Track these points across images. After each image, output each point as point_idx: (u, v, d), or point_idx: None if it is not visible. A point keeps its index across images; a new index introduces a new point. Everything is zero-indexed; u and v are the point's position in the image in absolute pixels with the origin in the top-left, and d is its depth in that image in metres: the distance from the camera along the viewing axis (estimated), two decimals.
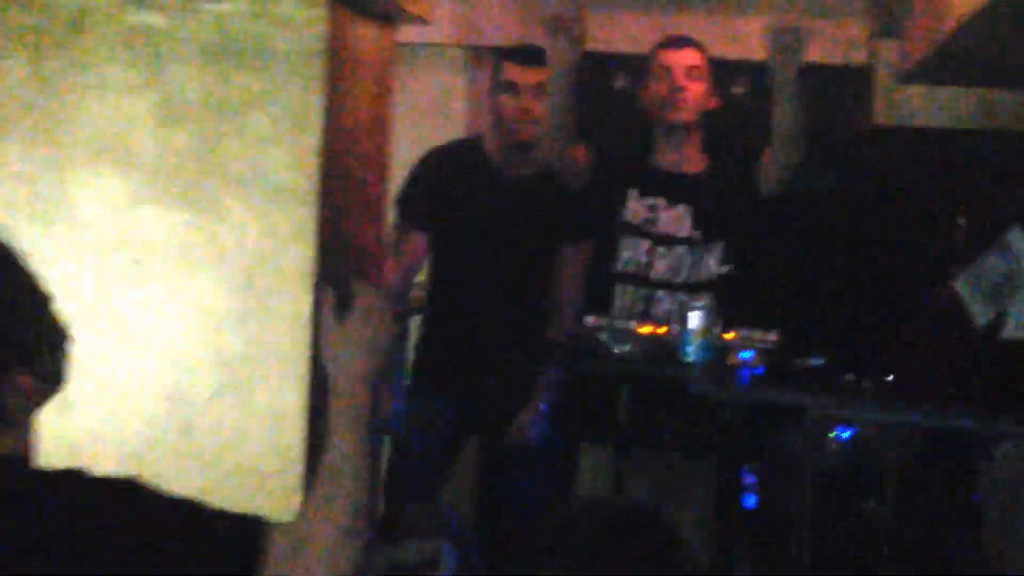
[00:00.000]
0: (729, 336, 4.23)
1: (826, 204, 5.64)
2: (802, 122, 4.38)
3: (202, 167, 4.19)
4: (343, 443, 2.16)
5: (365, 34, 4.71)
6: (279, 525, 2.14)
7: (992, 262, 4.24)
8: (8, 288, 2.10)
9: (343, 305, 2.13)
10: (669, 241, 4.61)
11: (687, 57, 4.67)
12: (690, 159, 4.69)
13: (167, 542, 2.02)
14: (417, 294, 5.29)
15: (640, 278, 4.61)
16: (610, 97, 6.21)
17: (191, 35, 4.20)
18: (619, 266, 4.61)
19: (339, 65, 4.38)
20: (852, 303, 5.69)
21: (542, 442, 4.78)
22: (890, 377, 4.09)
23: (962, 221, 4.44)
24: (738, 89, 6.31)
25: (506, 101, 4.89)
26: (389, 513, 5.14)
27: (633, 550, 2.05)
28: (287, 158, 4.20)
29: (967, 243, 4.37)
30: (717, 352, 4.17)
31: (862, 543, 4.58)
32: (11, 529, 1.95)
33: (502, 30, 6.39)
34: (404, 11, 4.95)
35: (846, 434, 4.90)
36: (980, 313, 4.19)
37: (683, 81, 4.61)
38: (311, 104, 4.22)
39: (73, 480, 2.07)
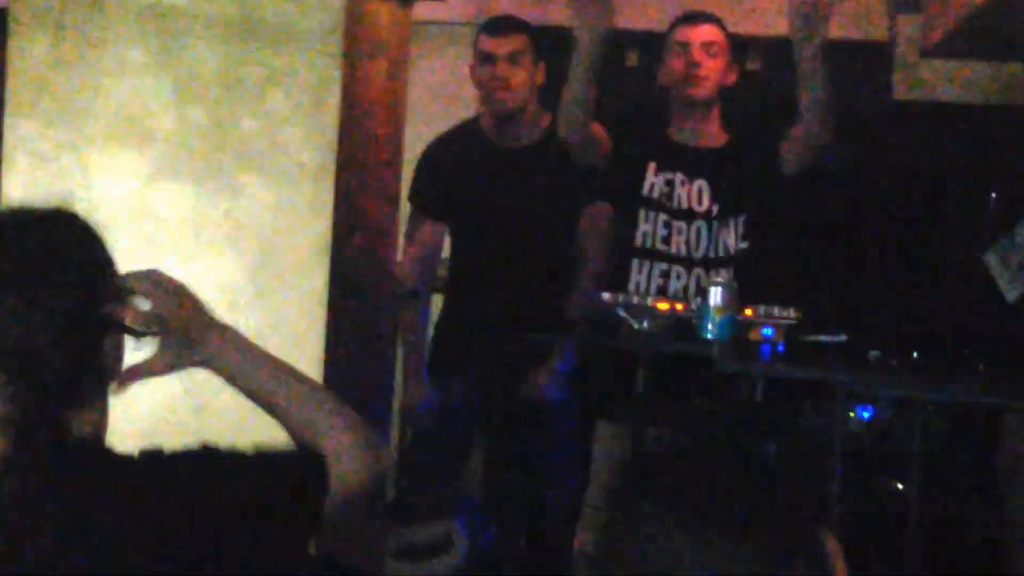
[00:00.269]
0: (748, 312, 4.20)
1: (846, 181, 5.61)
2: (829, 100, 4.34)
3: (219, 145, 4.18)
4: None
5: (382, 12, 4.69)
6: None
7: (1022, 237, 4.21)
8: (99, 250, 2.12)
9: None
10: (687, 216, 4.58)
11: (705, 33, 4.63)
12: (709, 134, 4.66)
13: (250, 494, 2.03)
14: (440, 273, 5.29)
15: (657, 253, 4.58)
16: (622, 75, 6.19)
17: (209, 13, 4.19)
18: (636, 240, 4.58)
19: (356, 43, 4.37)
20: (876, 279, 5.67)
21: (558, 403, 4.77)
22: (915, 354, 4.05)
23: (993, 196, 4.41)
24: (752, 65, 6.29)
25: (483, 72, 4.90)
26: (405, 493, 5.14)
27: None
28: (304, 135, 4.19)
29: (998, 218, 4.33)
30: (737, 329, 4.14)
31: (885, 521, 4.57)
32: (116, 517, 1.96)
33: (514, 9, 6.37)
34: None
35: (866, 413, 4.88)
36: (1009, 288, 4.16)
37: (700, 57, 4.57)
38: (329, 82, 4.22)
39: (156, 460, 2.08)
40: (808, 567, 1.56)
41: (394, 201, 5.00)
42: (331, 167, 4.21)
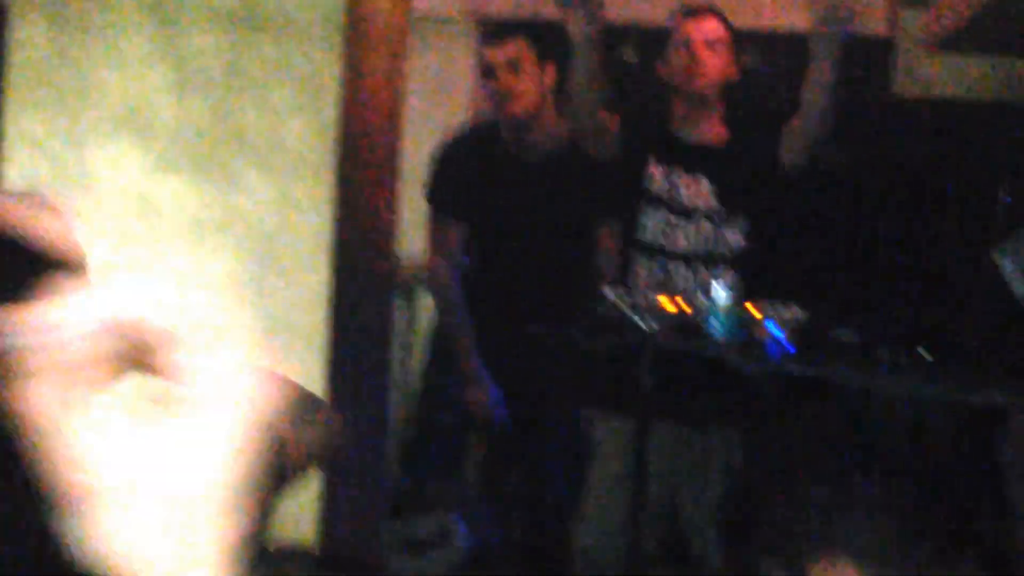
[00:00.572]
0: (755, 311, 4.17)
1: (847, 177, 5.59)
2: (833, 94, 4.32)
3: (219, 137, 4.14)
4: None
5: (382, 4, 4.65)
6: None
7: None
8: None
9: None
10: (689, 213, 4.55)
11: (708, 28, 4.59)
12: (711, 131, 4.62)
13: None
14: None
15: (659, 249, 4.55)
16: (619, 70, 6.16)
17: (209, 4, 4.15)
18: (638, 234, 4.55)
19: (356, 35, 4.34)
20: (885, 278, 5.64)
21: (560, 415, 4.76)
22: (926, 352, 4.02)
23: (1004, 195, 4.38)
24: (749, 59, 6.26)
25: (486, 84, 4.84)
26: (408, 488, 5.11)
27: None
28: (305, 128, 4.16)
29: (1009, 217, 4.31)
30: (744, 327, 4.12)
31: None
32: None
33: (510, 3, 6.34)
34: None
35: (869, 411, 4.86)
36: (1020, 286, 4.13)
37: (703, 52, 4.54)
38: (329, 74, 4.18)
39: None
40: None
41: (394, 193, 4.96)
42: (332, 160, 4.18)
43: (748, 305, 4.14)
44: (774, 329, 4.03)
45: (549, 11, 5.52)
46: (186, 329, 4.15)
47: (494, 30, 4.96)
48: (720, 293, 4.09)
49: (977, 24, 4.75)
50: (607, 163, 4.56)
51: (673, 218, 4.55)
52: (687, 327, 4.16)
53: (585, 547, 4.57)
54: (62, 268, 2.13)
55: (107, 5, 4.14)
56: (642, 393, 4.16)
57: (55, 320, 2.13)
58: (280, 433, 2.14)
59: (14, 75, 4.12)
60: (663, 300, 4.27)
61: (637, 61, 6.34)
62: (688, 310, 4.22)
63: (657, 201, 4.55)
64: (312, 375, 4.06)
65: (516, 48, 4.78)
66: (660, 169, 4.57)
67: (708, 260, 4.53)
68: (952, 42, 5.39)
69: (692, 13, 4.65)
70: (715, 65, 4.58)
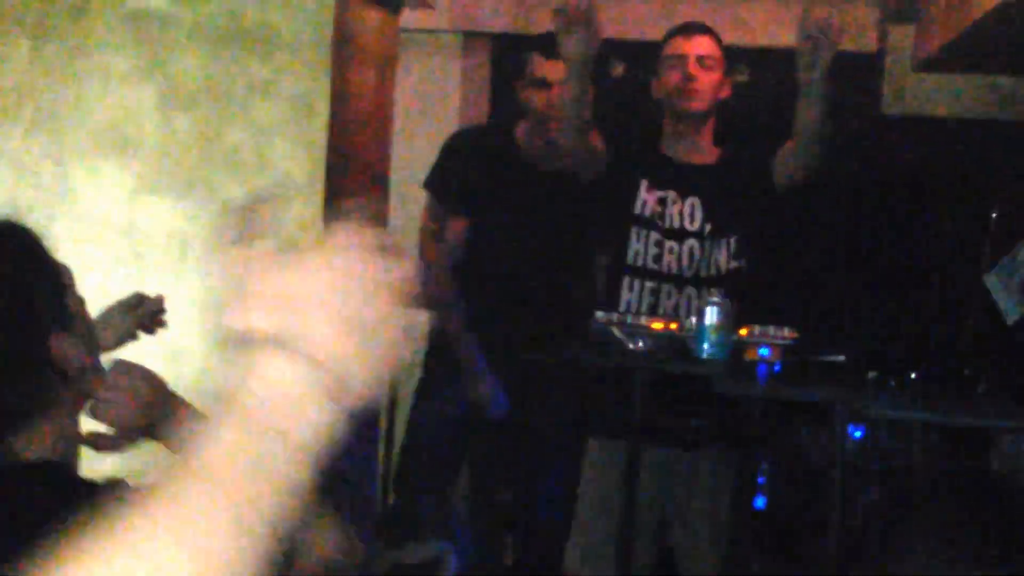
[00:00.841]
0: (744, 332, 4.13)
1: (838, 196, 5.57)
2: (826, 118, 4.28)
3: (205, 156, 4.10)
4: None
5: (370, 20, 4.61)
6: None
7: (1022, 257, 4.16)
8: (36, 260, 2.03)
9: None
10: (679, 235, 4.50)
11: (700, 45, 4.55)
12: (702, 150, 4.58)
13: None
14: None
15: (648, 271, 4.50)
16: (609, 85, 6.11)
17: (195, 20, 4.10)
18: (628, 259, 4.50)
19: (344, 52, 4.29)
20: (875, 298, 5.62)
21: (553, 435, 4.72)
22: (914, 375, 3.99)
23: (994, 214, 4.36)
24: (739, 76, 6.22)
25: (536, 96, 4.77)
26: (399, 506, 5.07)
27: None
28: (292, 147, 4.12)
29: (998, 236, 4.28)
30: (733, 349, 4.07)
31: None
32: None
33: (498, 16, 6.30)
34: None
35: (857, 433, 4.83)
36: (1010, 309, 4.11)
37: (696, 70, 4.49)
38: (317, 92, 4.14)
39: (120, 489, 1.99)
40: None
41: (384, 211, 4.92)
42: (320, 178, 4.13)
43: (744, 329, 4.11)
44: (765, 351, 3.99)
45: (529, 25, 5.49)
46: (172, 354, 4.11)
47: (549, 42, 4.84)
48: (711, 315, 4.04)
49: (962, 44, 4.74)
50: (595, 185, 4.51)
51: (664, 240, 4.50)
52: (677, 349, 4.12)
53: (575, 570, 4.52)
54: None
55: (90, 22, 4.09)
56: (633, 415, 4.12)
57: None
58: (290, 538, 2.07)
59: None
60: (653, 322, 4.23)
61: (626, 76, 6.30)
62: (678, 332, 4.18)
63: (647, 223, 4.50)
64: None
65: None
66: (651, 190, 4.52)
67: (699, 281, 4.48)
68: (938, 61, 5.38)
69: (684, 30, 4.61)
70: (708, 83, 4.54)
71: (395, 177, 5.18)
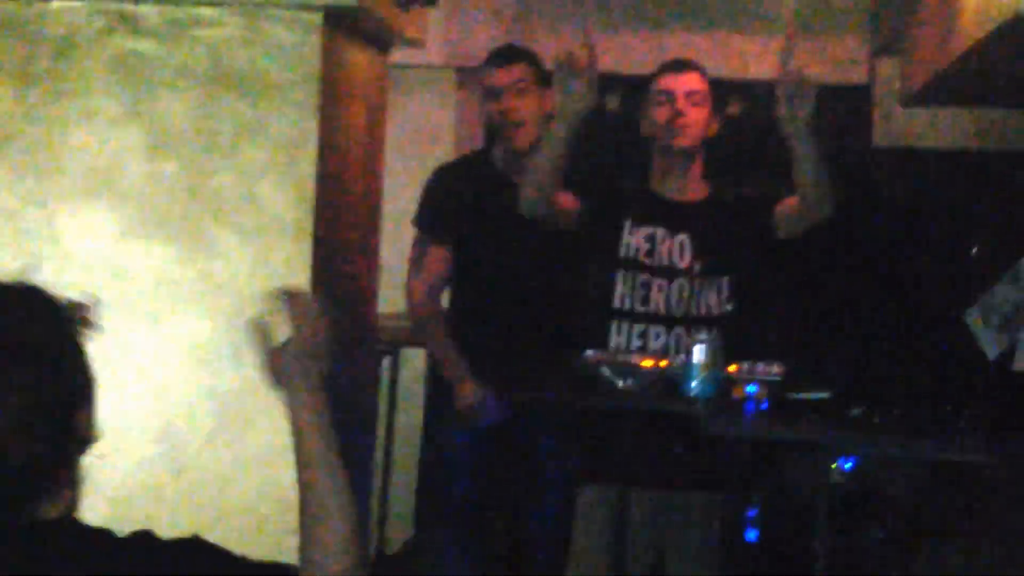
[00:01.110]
0: (732, 369, 4.13)
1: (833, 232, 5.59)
2: (824, 173, 4.27)
3: (193, 199, 4.09)
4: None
5: (359, 59, 4.60)
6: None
7: (1003, 292, 4.17)
8: (65, 330, 2.04)
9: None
10: (668, 273, 4.48)
11: (688, 82, 4.55)
12: (691, 187, 4.57)
13: None
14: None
15: (636, 314, 4.49)
16: (604, 119, 6.12)
17: (181, 62, 4.10)
18: (614, 302, 4.49)
19: (333, 92, 4.29)
20: (859, 335, 5.62)
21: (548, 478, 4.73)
22: (897, 411, 4.00)
23: (975, 249, 4.36)
24: (733, 109, 6.23)
25: (491, 107, 4.81)
26: (419, 538, 5.09)
27: None
28: (281, 189, 4.10)
29: (980, 271, 4.29)
30: (721, 386, 4.07)
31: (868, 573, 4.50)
32: None
33: (493, 46, 6.30)
34: (398, 35, 4.85)
35: (848, 464, 4.82)
36: (991, 345, 4.11)
37: (684, 106, 4.49)
38: (305, 133, 4.13)
39: (145, 544, 2.04)
40: None
41: (374, 253, 4.91)
42: (309, 221, 4.12)
43: (733, 367, 4.11)
44: (752, 389, 3.99)
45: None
46: (160, 400, 4.11)
47: (501, 52, 4.91)
48: (699, 353, 4.04)
49: (946, 78, 4.75)
50: (575, 234, 4.49)
51: (652, 278, 4.49)
52: (666, 386, 4.12)
53: None
54: None
55: (75, 65, 4.09)
56: (623, 455, 4.12)
57: None
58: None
59: None
60: (643, 360, 4.22)
61: (622, 109, 6.31)
62: (667, 369, 4.18)
63: (632, 264, 4.49)
64: (289, 444, 3.99)
65: (524, 71, 4.78)
66: (637, 229, 4.51)
67: (687, 320, 4.47)
68: (924, 95, 5.39)
69: (672, 67, 4.61)
70: (697, 120, 4.53)
71: (390, 210, 5.18)
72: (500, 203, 4.69)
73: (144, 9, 4.07)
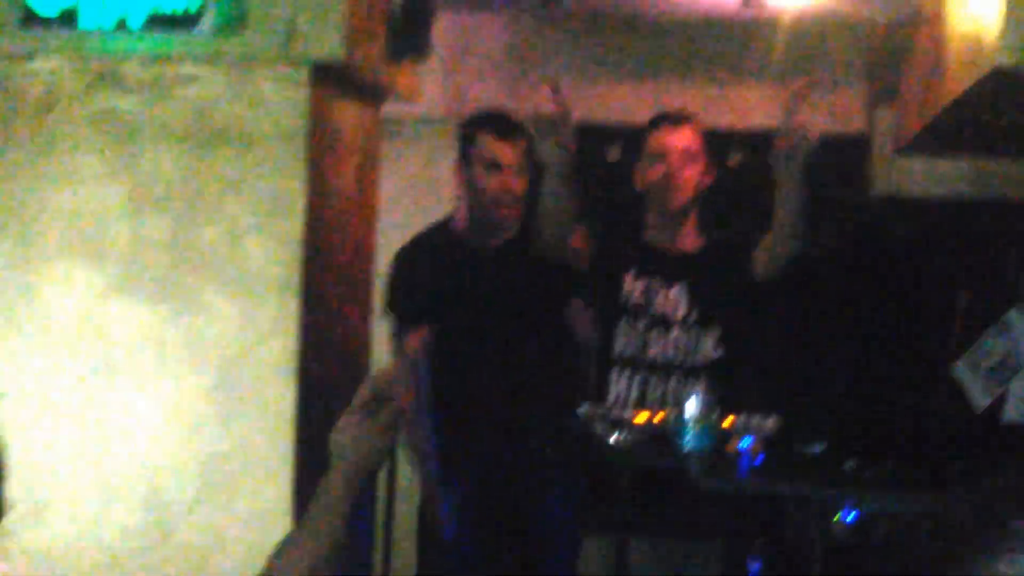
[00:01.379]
0: (727, 423, 4.09)
1: (823, 278, 5.55)
2: (802, 213, 4.27)
3: (177, 257, 4.04)
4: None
5: (349, 113, 4.56)
6: None
7: (991, 343, 4.15)
8: None
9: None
10: (665, 323, 4.46)
11: (682, 139, 4.51)
12: (686, 239, 4.55)
13: None
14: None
15: (636, 361, 4.46)
16: (604, 170, 6.09)
17: (165, 118, 4.06)
18: (615, 349, 4.46)
19: (322, 146, 4.24)
20: (851, 387, 5.59)
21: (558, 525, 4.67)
22: (890, 464, 3.97)
23: (963, 300, 4.33)
24: (734, 160, 6.19)
25: (487, 178, 4.67)
26: None
27: None
28: (268, 246, 4.05)
29: (968, 320, 4.26)
30: (716, 439, 4.02)
31: None
32: None
33: (489, 103, 6.27)
34: (390, 88, 4.81)
35: (851, 516, 4.77)
36: (980, 396, 4.08)
37: (679, 165, 4.46)
38: (292, 189, 4.08)
39: None
40: None
41: (367, 308, 4.85)
42: (296, 278, 4.07)
43: (728, 420, 4.07)
44: (747, 442, 3.93)
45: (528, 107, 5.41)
46: (146, 463, 4.05)
47: (506, 126, 4.75)
48: (692, 406, 4.00)
49: (937, 127, 4.72)
50: (582, 276, 4.48)
51: (651, 328, 4.47)
52: (660, 440, 4.07)
53: None
54: None
55: (57, 122, 4.05)
56: (619, 508, 4.08)
57: None
58: None
59: None
60: (637, 414, 4.18)
61: (622, 160, 6.27)
62: (662, 423, 4.14)
63: (633, 312, 4.47)
64: (278, 507, 3.93)
65: (524, 147, 4.66)
66: (637, 280, 4.49)
67: (684, 370, 4.44)
68: (917, 144, 5.35)
69: (667, 121, 4.56)
70: (691, 177, 4.51)
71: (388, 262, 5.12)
72: (470, 273, 4.62)
73: (127, 66, 4.03)
